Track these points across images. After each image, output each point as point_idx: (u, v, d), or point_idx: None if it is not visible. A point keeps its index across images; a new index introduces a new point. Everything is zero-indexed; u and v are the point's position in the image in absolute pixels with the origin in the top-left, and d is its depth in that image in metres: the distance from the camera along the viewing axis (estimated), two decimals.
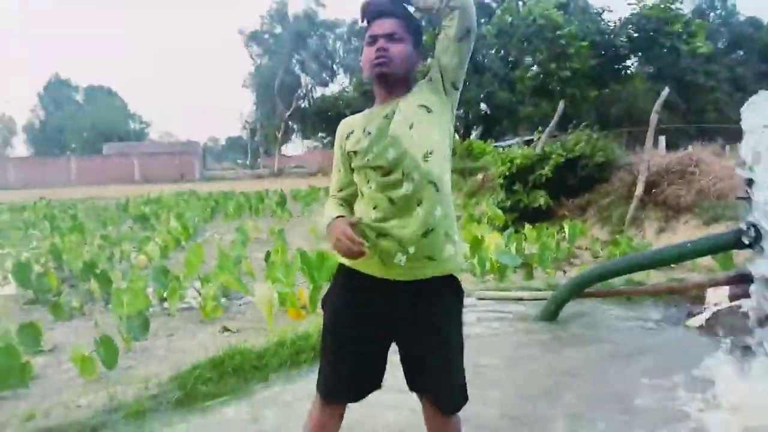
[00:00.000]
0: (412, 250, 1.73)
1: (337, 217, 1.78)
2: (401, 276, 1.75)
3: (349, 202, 1.94)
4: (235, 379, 3.16)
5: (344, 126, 1.93)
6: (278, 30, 45.73)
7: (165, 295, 5.15)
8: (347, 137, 1.86)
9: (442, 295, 1.82)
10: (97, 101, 62.30)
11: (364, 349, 1.84)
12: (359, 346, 1.83)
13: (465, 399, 1.92)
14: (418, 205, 1.72)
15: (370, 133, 1.79)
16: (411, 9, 1.90)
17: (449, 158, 1.84)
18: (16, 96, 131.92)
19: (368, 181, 1.79)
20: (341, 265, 1.88)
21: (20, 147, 66.67)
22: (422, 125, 1.77)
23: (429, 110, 1.80)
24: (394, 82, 1.81)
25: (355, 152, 1.81)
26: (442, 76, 1.83)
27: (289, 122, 46.27)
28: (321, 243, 8.31)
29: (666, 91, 8.86)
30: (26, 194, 25.54)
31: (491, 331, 3.92)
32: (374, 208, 1.76)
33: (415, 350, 1.85)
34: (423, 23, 2.01)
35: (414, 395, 1.88)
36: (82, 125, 57.56)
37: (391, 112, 1.79)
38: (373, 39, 1.80)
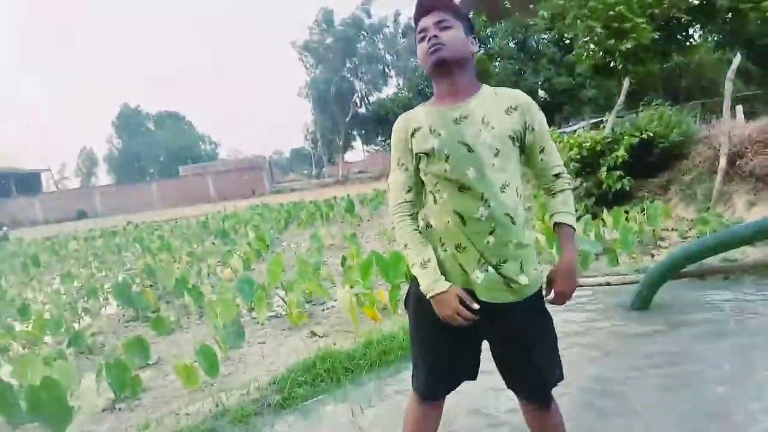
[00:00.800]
0: (490, 270, 1.73)
1: (447, 287, 1.73)
2: (479, 294, 1.74)
3: (415, 210, 1.88)
4: (328, 380, 3.27)
5: (406, 121, 1.86)
6: (328, 39, 46.52)
7: (252, 305, 5.38)
8: (413, 134, 1.81)
9: (524, 312, 1.79)
10: (167, 126, 65.71)
11: (457, 346, 1.86)
12: (451, 344, 1.85)
13: (558, 377, 1.90)
14: (491, 234, 1.71)
15: (440, 135, 1.74)
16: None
17: (521, 191, 1.80)
18: (90, 127, 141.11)
19: (439, 191, 1.75)
20: None
21: (102, 176, 71.27)
22: (507, 156, 1.74)
23: (515, 142, 1.77)
24: (453, 70, 1.76)
25: (426, 154, 1.76)
26: (523, 138, 1.79)
27: (349, 129, 46.96)
28: (392, 244, 8.40)
29: (738, 57, 8.32)
30: (113, 220, 27.29)
31: (580, 323, 3.83)
32: (448, 218, 1.75)
33: (503, 353, 1.87)
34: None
35: None
36: (157, 151, 60.89)
37: (460, 116, 1.74)
38: (424, 32, 1.79)
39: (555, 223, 1.85)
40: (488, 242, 1.71)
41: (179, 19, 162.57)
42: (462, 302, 1.73)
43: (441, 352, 1.87)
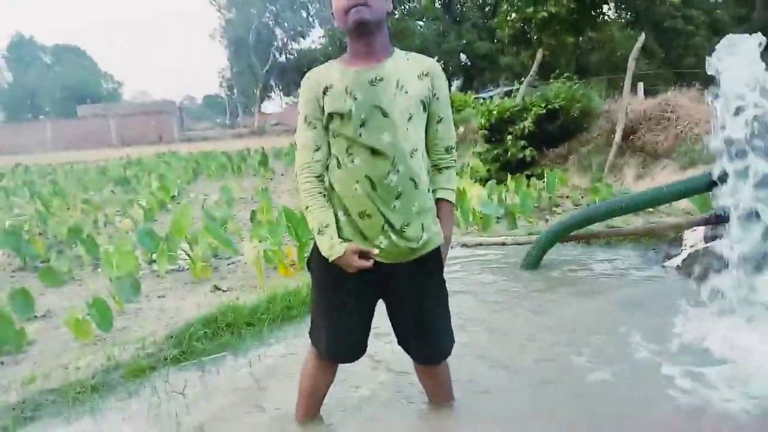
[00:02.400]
0: (393, 237, 1.77)
1: (344, 250, 1.76)
2: (380, 257, 1.80)
3: (323, 171, 1.84)
4: (229, 335, 3.26)
5: (317, 78, 1.81)
6: None
7: (153, 257, 5.19)
8: (325, 92, 1.77)
9: (423, 268, 1.88)
10: (66, 62, 60.24)
11: (355, 307, 1.91)
12: (351, 305, 1.90)
13: (451, 345, 2.04)
14: (397, 198, 1.75)
15: (356, 98, 1.73)
16: None
17: (425, 155, 1.85)
18: None
19: (351, 155, 1.75)
20: None
21: None
22: (418, 121, 1.78)
23: (425, 108, 1.80)
24: (372, 30, 1.74)
25: (340, 115, 1.74)
26: (429, 103, 1.81)
27: (267, 78, 45.33)
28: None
29: (642, 37, 8.84)
30: (2, 161, 25.00)
31: (475, 279, 4.05)
32: (357, 182, 1.75)
33: (398, 312, 1.96)
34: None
35: None
36: (53, 87, 55.83)
37: (376, 77, 1.74)
38: None
39: (437, 199, 1.90)
40: (395, 206, 1.75)
41: None
42: (362, 255, 1.78)
43: (338, 308, 1.92)
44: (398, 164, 1.72)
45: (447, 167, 1.92)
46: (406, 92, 1.74)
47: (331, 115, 1.76)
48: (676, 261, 3.95)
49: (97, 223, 7.57)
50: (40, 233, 7.02)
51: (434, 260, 1.91)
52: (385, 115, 1.72)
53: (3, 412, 2.58)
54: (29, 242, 5.87)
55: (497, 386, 2.49)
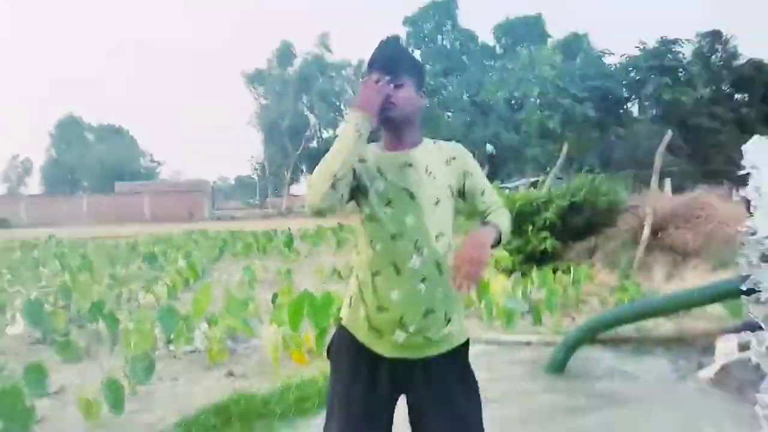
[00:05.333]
0: (411, 329, 1.72)
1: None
2: (398, 353, 1.74)
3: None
4: (239, 426, 3.15)
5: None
6: (283, 72, 46.57)
7: (172, 337, 5.15)
8: (361, 160, 1.78)
9: (449, 369, 1.79)
10: (108, 140, 63.40)
11: (372, 403, 1.80)
12: (366, 401, 1.80)
13: None
14: (422, 281, 1.72)
15: (386, 179, 1.76)
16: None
17: (450, 245, 1.82)
18: (34, 136, 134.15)
19: (374, 243, 1.74)
20: (341, 324, 1.86)
21: (34, 187, 67.59)
22: (445, 206, 1.79)
23: (452, 194, 1.82)
24: (399, 126, 1.80)
25: (366, 190, 1.75)
26: (462, 191, 1.84)
27: (298, 162, 46.85)
28: (327, 283, 8.31)
29: (669, 134, 8.94)
30: (37, 232, 25.81)
31: (500, 380, 3.88)
32: (377, 274, 1.74)
33: (422, 423, 1.81)
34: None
35: None
36: (93, 164, 58.42)
37: (405, 162, 1.78)
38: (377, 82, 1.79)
39: (483, 221, 1.82)
40: (420, 290, 1.71)
41: (132, 30, 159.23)
42: (389, 345, 1.72)
43: (357, 412, 1.83)
44: (422, 247, 1.71)
45: (497, 211, 1.87)
46: (434, 178, 1.77)
47: (358, 188, 1.77)
48: (710, 372, 3.74)
49: (120, 298, 7.61)
50: (63, 306, 7.08)
51: (463, 359, 1.83)
52: (412, 197, 1.74)
53: None
54: (52, 315, 5.90)
55: None
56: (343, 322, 1.86)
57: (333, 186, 1.65)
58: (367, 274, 1.77)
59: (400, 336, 1.73)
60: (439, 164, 1.81)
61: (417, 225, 1.73)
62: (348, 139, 1.69)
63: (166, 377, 4.24)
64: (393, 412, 1.86)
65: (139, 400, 3.76)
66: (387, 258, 1.73)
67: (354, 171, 1.75)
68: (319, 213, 1.70)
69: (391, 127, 1.82)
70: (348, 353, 1.81)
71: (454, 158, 1.84)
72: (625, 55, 27.48)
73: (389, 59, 1.84)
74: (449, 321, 1.77)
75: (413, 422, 1.83)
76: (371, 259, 1.76)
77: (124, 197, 43.81)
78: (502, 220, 1.84)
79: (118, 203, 42.38)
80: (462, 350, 1.83)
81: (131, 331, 4.79)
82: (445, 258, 1.77)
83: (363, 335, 1.78)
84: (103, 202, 42.55)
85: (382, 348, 1.75)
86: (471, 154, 1.90)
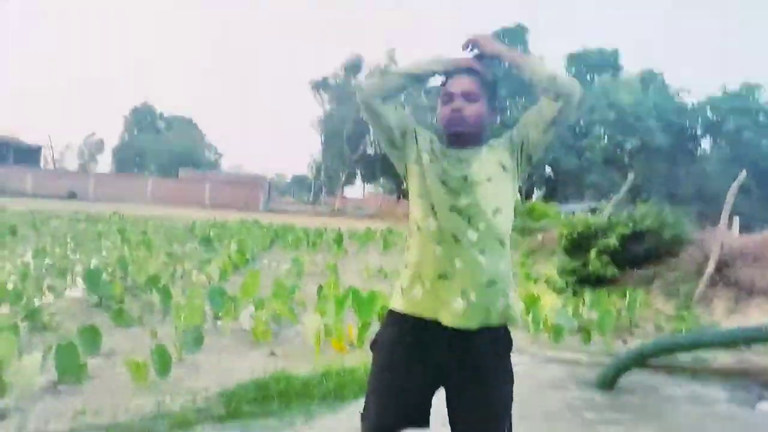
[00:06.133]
0: (473, 297, 1.72)
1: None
2: (457, 323, 1.73)
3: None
4: (278, 403, 3.18)
5: (430, 134, 1.93)
6: (349, 81, 47.31)
7: (220, 314, 5.28)
8: (423, 135, 1.87)
9: (494, 347, 1.80)
10: (177, 129, 66.02)
11: (412, 391, 1.82)
12: (407, 389, 1.81)
13: None
14: (482, 253, 1.73)
15: (441, 158, 1.80)
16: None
17: (512, 219, 1.84)
18: (108, 119, 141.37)
19: (433, 212, 1.76)
20: (392, 311, 1.87)
21: (104, 166, 71.06)
22: (498, 181, 1.80)
23: (505, 169, 1.82)
24: (468, 140, 1.83)
25: (423, 163, 1.80)
26: (523, 144, 1.85)
27: (354, 166, 47.39)
28: (372, 282, 8.33)
29: (744, 173, 8.55)
30: (102, 207, 27.11)
31: (545, 392, 3.77)
32: (438, 243, 1.76)
33: (461, 401, 1.82)
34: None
35: None
36: (162, 150, 60.90)
37: (466, 158, 1.81)
38: (449, 97, 1.83)
39: None
40: (480, 261, 1.72)
41: (214, 27, 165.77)
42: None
43: (397, 393, 1.82)
44: (478, 222, 1.73)
45: None
46: (483, 160, 1.80)
47: (419, 153, 1.83)
48: None
49: (174, 275, 7.87)
50: (121, 277, 7.38)
51: (506, 338, 1.83)
52: (465, 179, 1.76)
53: None
54: (109, 284, 6.16)
55: None
56: (395, 307, 1.85)
57: (385, 96, 1.84)
58: (427, 247, 1.77)
59: (459, 304, 1.72)
60: (492, 152, 1.83)
61: (470, 200, 1.75)
62: (416, 66, 1.87)
63: (212, 350, 4.34)
64: (431, 401, 1.85)
65: (185, 369, 3.86)
66: (447, 230, 1.75)
67: (416, 137, 1.86)
68: (368, 106, 1.84)
69: (458, 141, 1.84)
70: (396, 340, 1.81)
71: (501, 141, 1.86)
72: (706, 94, 26.79)
73: (467, 71, 1.85)
74: (506, 295, 1.77)
75: (449, 402, 1.83)
76: (432, 231, 1.77)
77: (186, 183, 45.39)
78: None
79: (180, 188, 43.92)
80: (505, 336, 1.83)
81: (182, 305, 4.94)
82: (506, 235, 1.78)
83: (422, 308, 1.77)
84: (167, 186, 44.18)
85: (442, 316, 1.74)
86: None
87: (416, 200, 1.83)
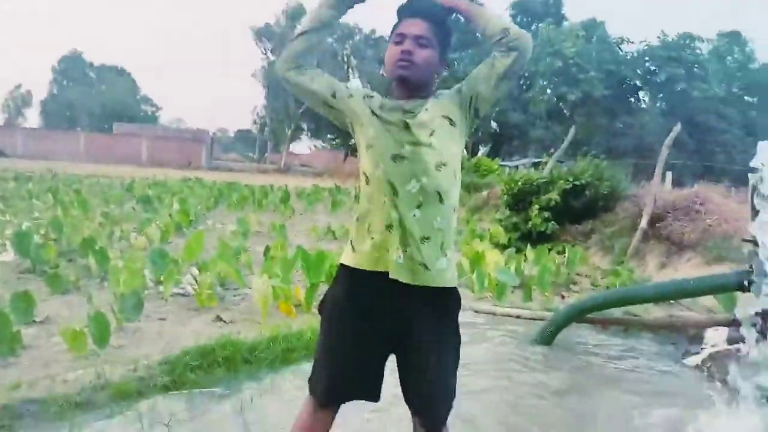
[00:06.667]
0: (408, 250, 1.72)
1: None
2: (398, 275, 1.73)
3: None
4: (224, 370, 3.15)
5: (363, 90, 1.90)
6: (293, 30, 45.71)
7: (161, 278, 5.13)
8: (364, 96, 1.84)
9: (440, 308, 1.80)
10: (108, 80, 62.47)
11: (363, 350, 1.82)
12: (357, 347, 1.81)
13: (449, 411, 1.91)
14: (418, 207, 1.72)
15: (384, 111, 1.77)
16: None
17: (458, 174, 1.82)
18: (35, 69, 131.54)
19: (377, 163, 1.75)
20: (342, 265, 1.86)
21: (33, 120, 66.86)
22: (442, 135, 1.76)
23: (452, 123, 1.79)
24: (414, 86, 1.78)
25: (365, 115, 1.78)
26: (472, 99, 1.81)
27: (300, 121, 46.32)
28: (321, 242, 8.30)
29: (678, 126, 8.87)
30: (33, 165, 25.60)
31: (485, 351, 3.90)
32: (383, 198, 1.74)
33: (409, 366, 1.85)
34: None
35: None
36: (93, 103, 57.62)
37: (411, 109, 1.76)
38: (401, 38, 1.77)
39: None
40: (415, 215, 1.71)
41: None
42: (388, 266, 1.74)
43: (347, 359, 1.82)
44: (420, 175, 1.71)
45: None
46: (426, 109, 1.76)
47: (371, 112, 1.78)
48: (696, 359, 3.77)
49: (112, 237, 7.58)
50: (54, 239, 7.03)
51: (451, 309, 1.84)
52: (407, 127, 1.73)
53: None
54: (41, 247, 5.86)
55: None
56: (344, 261, 1.84)
57: (298, 62, 1.84)
58: (375, 197, 1.77)
59: (399, 256, 1.73)
60: (438, 105, 1.79)
61: (413, 152, 1.72)
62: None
63: (153, 317, 4.23)
64: (383, 369, 1.86)
65: (125, 337, 3.75)
66: (387, 179, 1.73)
67: (349, 94, 1.84)
68: (286, 80, 1.86)
69: (403, 87, 1.79)
70: (345, 296, 1.80)
71: (451, 94, 1.82)
72: (645, 42, 27.16)
73: (420, 11, 1.78)
74: (446, 255, 1.77)
75: (399, 367, 1.86)
76: (379, 181, 1.75)
77: (122, 138, 43.36)
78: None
79: (115, 144, 41.98)
80: (453, 302, 1.84)
81: (121, 269, 4.76)
82: (448, 190, 1.76)
83: (368, 259, 1.77)
84: (101, 142, 42.13)
85: (384, 265, 1.74)
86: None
87: (364, 151, 1.80)
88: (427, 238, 1.72)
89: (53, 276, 4.88)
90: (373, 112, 1.79)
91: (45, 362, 3.27)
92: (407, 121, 1.74)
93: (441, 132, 1.76)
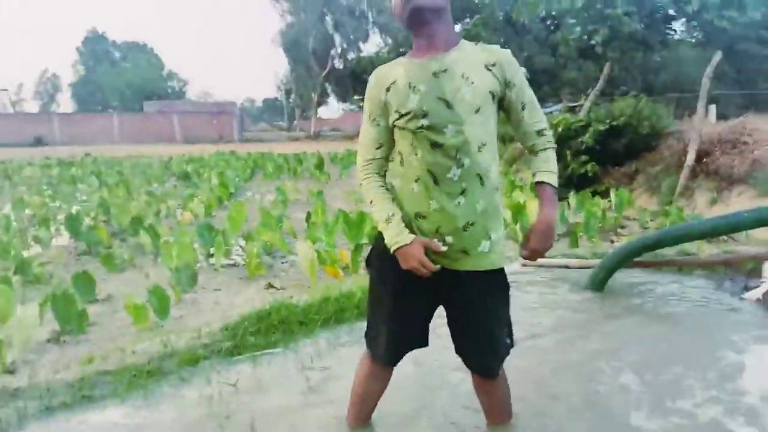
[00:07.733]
0: (449, 239, 1.70)
1: (411, 239, 1.70)
2: (438, 262, 1.73)
3: (384, 168, 1.84)
4: (281, 332, 3.24)
5: (381, 76, 1.80)
6: None
7: (210, 251, 5.27)
8: (389, 89, 1.74)
9: (486, 288, 1.80)
10: (133, 58, 62.97)
11: (414, 303, 1.84)
12: (409, 302, 1.84)
13: (500, 363, 1.93)
14: (461, 194, 1.67)
15: (420, 90, 1.68)
16: None
17: (497, 153, 1.77)
18: (57, 51, 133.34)
19: (415, 149, 1.70)
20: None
21: (65, 104, 68.35)
22: (486, 114, 1.69)
23: (494, 98, 1.71)
24: (430, 19, 1.68)
25: (403, 113, 1.70)
26: (504, 95, 1.74)
27: (324, 84, 45.84)
28: (359, 205, 8.34)
29: (718, 55, 8.40)
30: (71, 150, 26.30)
31: (538, 299, 3.89)
32: (416, 181, 1.71)
33: (457, 318, 1.87)
34: None
35: None
36: (122, 82, 58.34)
37: (439, 69, 1.68)
38: None
39: (536, 182, 1.80)
40: (458, 203, 1.67)
41: None
42: (428, 253, 1.71)
43: (398, 312, 1.86)
44: (462, 158, 1.65)
45: (543, 149, 1.81)
46: (472, 83, 1.67)
47: (396, 112, 1.73)
48: (757, 293, 3.67)
49: (158, 214, 7.79)
50: (104, 221, 7.28)
51: (501, 282, 1.83)
52: (449, 107, 1.66)
53: (63, 389, 2.63)
54: (93, 228, 6.08)
55: (550, 413, 2.35)
56: None
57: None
58: (407, 182, 1.74)
59: (437, 245, 1.72)
60: (479, 68, 1.69)
61: (456, 135, 1.65)
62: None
63: (208, 288, 4.37)
64: (430, 319, 1.91)
65: (184, 308, 3.90)
66: (426, 167, 1.68)
67: (384, 102, 1.75)
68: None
69: (421, 23, 1.69)
70: (390, 255, 1.79)
71: (494, 64, 1.71)
72: None
73: None
74: (489, 238, 1.73)
75: (449, 320, 1.90)
76: (411, 166, 1.72)
77: (153, 117, 43.94)
78: (552, 167, 1.79)
79: (147, 123, 42.61)
80: (499, 277, 1.82)
81: (172, 244, 4.91)
82: (488, 170, 1.70)
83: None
84: (134, 121, 42.82)
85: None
86: (515, 60, 1.76)
87: (400, 133, 1.75)
88: (471, 224, 1.69)
89: (108, 256, 5.07)
90: (411, 89, 1.70)
91: (112, 336, 3.43)
92: (448, 100, 1.66)
93: (484, 110, 1.69)
